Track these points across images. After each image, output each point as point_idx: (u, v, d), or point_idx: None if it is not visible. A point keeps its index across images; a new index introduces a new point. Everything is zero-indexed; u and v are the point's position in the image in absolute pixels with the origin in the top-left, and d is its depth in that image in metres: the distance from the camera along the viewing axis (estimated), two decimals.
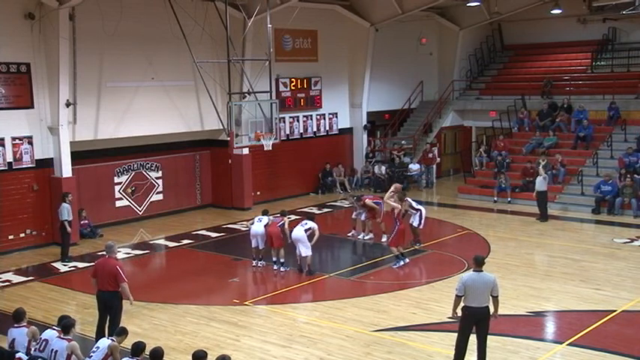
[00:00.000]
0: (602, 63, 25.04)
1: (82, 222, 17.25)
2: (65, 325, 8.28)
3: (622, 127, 21.62)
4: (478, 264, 8.93)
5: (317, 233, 13.93)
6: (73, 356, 7.99)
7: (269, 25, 17.72)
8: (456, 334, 9.13)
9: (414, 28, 25.48)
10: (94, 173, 18.26)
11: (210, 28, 18.73)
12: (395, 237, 14.18)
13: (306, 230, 13.88)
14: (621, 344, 10.02)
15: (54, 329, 8.34)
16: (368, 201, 16.51)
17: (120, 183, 18.99)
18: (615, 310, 11.46)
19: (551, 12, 24.37)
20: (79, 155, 17.21)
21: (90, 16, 16.57)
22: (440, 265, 14.52)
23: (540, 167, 18.84)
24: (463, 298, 8.81)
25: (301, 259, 13.96)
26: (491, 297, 8.85)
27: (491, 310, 8.90)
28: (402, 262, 14.20)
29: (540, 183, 18.58)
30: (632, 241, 16.31)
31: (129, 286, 9.97)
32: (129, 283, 10.02)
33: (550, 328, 11.34)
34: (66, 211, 15.20)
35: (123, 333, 8.32)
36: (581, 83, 24.57)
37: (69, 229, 15.26)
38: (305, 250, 13.79)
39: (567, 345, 10.08)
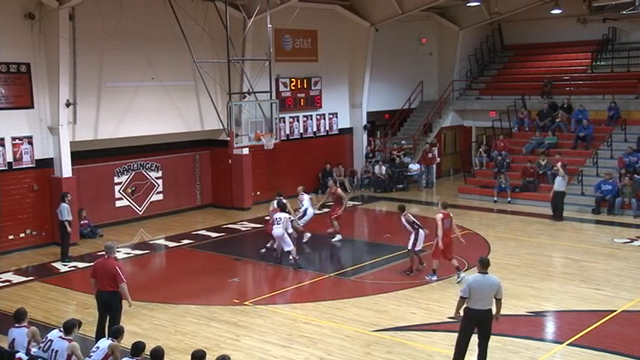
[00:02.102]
0: (602, 63, 25.04)
1: (82, 222, 17.24)
2: (66, 325, 8.27)
3: (622, 127, 21.62)
4: (483, 266, 8.88)
5: (288, 222, 14.49)
6: (74, 356, 7.99)
7: (269, 25, 17.72)
8: (456, 334, 9.12)
9: (414, 28, 25.48)
10: (94, 173, 18.26)
11: (210, 28, 18.73)
12: (436, 249, 13.30)
13: (281, 223, 14.30)
14: (621, 344, 10.02)
15: (60, 330, 8.35)
16: (339, 190, 16.98)
17: (120, 183, 18.99)
18: (615, 310, 11.46)
19: (551, 12, 24.38)
20: (79, 155, 17.21)
21: (90, 16, 16.58)
22: (440, 265, 14.47)
23: (560, 167, 18.81)
24: (467, 299, 8.80)
25: (282, 254, 14.64)
26: (495, 299, 8.84)
27: (494, 311, 8.89)
28: (434, 278, 13.45)
29: (559, 183, 18.53)
30: (632, 241, 16.30)
31: (128, 286, 9.97)
32: (128, 283, 10.02)
33: (550, 328, 11.33)
34: (66, 211, 15.19)
35: (120, 333, 8.29)
36: (581, 83, 24.56)
37: (69, 228, 15.26)
38: (286, 246, 14.32)
39: (567, 345, 10.08)
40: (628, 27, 25.09)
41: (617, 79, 23.38)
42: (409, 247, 13.77)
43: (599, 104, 22.77)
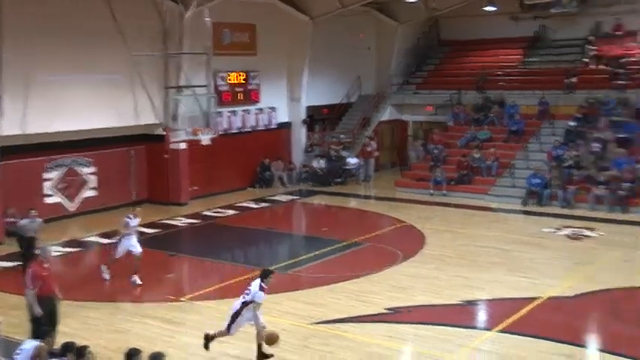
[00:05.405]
0: (532, 59, 25.87)
1: (8, 220, 16.52)
2: None
3: (550, 122, 22.40)
4: None
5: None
6: None
7: (207, 19, 17.46)
8: (394, 324, 9.18)
9: (352, 22, 25.62)
10: (21, 169, 17.55)
11: (147, 20, 18.30)
12: None
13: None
14: (548, 329, 10.40)
15: None
16: None
17: (50, 179, 18.34)
18: (542, 297, 11.90)
19: (485, 9, 24.98)
20: (5, 150, 16.52)
21: (18, 6, 15.89)
22: (376, 258, 14.69)
23: None
24: None
25: None
26: None
27: None
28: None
29: None
30: (559, 230, 16.95)
31: (58, 285, 9.59)
32: (60, 281, 9.70)
33: (481, 316, 11.67)
34: None
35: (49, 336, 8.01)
36: (513, 78, 25.30)
37: None
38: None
39: (497, 332, 10.39)
40: (556, 25, 25.99)
41: (546, 74, 24.20)
42: None
43: (529, 99, 23.51)
